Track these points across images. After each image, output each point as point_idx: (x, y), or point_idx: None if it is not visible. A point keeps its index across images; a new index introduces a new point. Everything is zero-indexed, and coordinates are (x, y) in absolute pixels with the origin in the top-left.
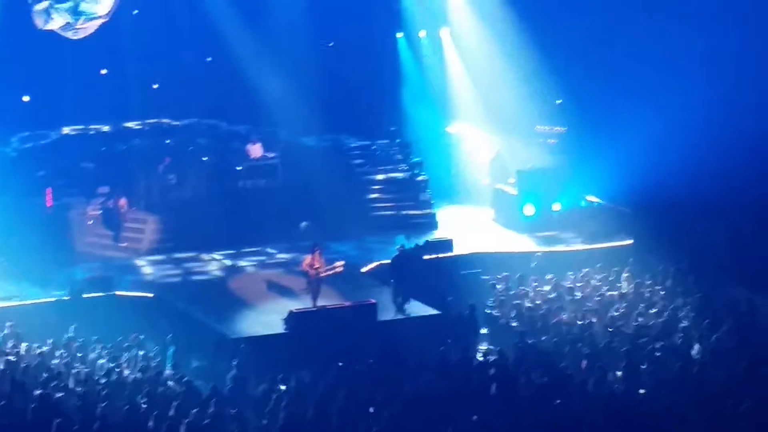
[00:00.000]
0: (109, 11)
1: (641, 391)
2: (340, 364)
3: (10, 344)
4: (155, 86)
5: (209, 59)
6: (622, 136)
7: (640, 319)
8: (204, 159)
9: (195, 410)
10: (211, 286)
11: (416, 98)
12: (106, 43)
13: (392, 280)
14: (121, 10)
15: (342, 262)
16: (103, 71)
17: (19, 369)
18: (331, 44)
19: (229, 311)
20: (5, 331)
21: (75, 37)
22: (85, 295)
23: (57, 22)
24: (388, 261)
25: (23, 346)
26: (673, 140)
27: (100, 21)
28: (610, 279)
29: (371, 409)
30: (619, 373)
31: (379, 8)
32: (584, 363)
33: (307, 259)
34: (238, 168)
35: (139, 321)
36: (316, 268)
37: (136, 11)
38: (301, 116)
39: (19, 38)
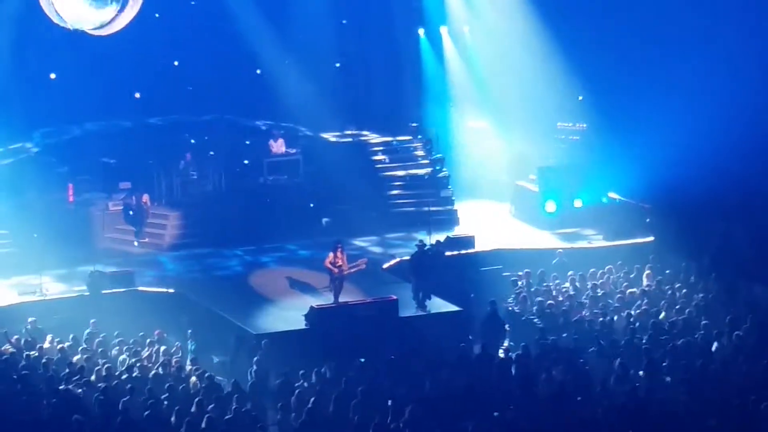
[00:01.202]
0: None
1: (667, 378)
2: (362, 360)
3: (30, 340)
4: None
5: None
6: (643, 133)
7: (661, 316)
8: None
9: (216, 406)
10: (232, 282)
11: (437, 94)
12: (128, 39)
13: (412, 277)
14: (143, 10)
15: (365, 260)
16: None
17: (41, 364)
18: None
19: (250, 307)
20: (27, 327)
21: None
22: (106, 291)
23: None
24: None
25: (47, 339)
26: (694, 137)
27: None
28: (632, 276)
29: (390, 404)
30: (641, 373)
31: (400, 5)
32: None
33: (330, 256)
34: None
35: (161, 317)
36: (339, 266)
37: (157, 15)
38: (322, 112)
39: (41, 34)
